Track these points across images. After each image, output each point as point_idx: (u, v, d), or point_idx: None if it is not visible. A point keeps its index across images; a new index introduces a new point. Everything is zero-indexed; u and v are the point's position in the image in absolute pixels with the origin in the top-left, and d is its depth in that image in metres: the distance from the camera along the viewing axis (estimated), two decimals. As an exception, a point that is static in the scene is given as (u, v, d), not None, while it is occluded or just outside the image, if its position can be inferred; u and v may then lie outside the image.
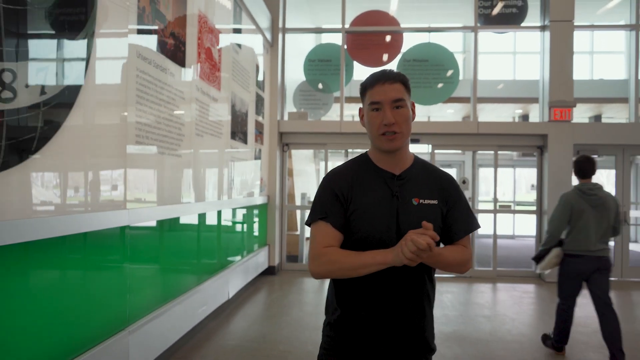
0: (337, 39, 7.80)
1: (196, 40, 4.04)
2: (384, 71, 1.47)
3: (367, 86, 1.48)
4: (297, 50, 8.15)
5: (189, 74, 3.91)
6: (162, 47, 3.39)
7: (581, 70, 13.09)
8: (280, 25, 7.36)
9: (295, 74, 8.02)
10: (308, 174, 11.47)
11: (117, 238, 2.85)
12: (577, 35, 7.62)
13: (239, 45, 5.50)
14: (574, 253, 3.75)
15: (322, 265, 1.42)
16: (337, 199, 1.47)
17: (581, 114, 12.80)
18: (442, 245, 1.55)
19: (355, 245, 1.44)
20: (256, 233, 6.52)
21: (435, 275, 1.57)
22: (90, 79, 2.48)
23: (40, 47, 2.13)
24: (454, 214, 1.51)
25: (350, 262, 1.38)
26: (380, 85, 1.43)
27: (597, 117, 12.94)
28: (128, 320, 2.94)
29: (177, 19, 3.65)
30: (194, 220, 4.17)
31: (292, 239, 8.13)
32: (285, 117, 7.52)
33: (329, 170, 11.38)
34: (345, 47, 7.64)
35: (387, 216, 1.44)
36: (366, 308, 1.45)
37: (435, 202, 1.48)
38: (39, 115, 2.11)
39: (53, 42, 2.22)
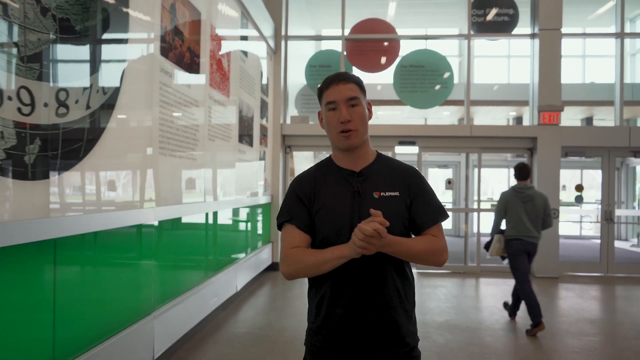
0: (337, 45, 8.16)
1: (209, 53, 4.40)
2: (338, 73, 1.53)
3: (323, 88, 1.52)
4: (297, 54, 8.50)
5: (203, 83, 4.27)
6: (180, 61, 3.75)
7: (573, 74, 13.46)
8: (283, 33, 7.72)
9: (295, 77, 8.38)
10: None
11: (146, 233, 3.21)
12: (569, 40, 7.98)
13: (245, 54, 5.87)
14: (513, 237, 4.63)
15: (289, 266, 1.48)
16: (300, 201, 1.52)
17: (573, 116, 13.18)
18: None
19: (323, 243, 1.48)
20: (260, 231, 6.88)
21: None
22: (122, 97, 2.85)
23: (83, 71, 2.49)
24: (418, 205, 1.52)
25: (313, 259, 1.45)
26: (335, 86, 1.48)
27: (589, 119, 13.32)
28: (153, 307, 3.31)
29: (193, 34, 4.01)
30: (207, 218, 4.53)
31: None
32: (288, 121, 7.89)
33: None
34: (345, 53, 8.00)
35: (349, 212, 1.47)
36: (339, 306, 1.47)
37: (396, 193, 1.50)
38: (85, 126, 2.47)
39: (94, 66, 2.58)
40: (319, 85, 1.55)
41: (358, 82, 1.52)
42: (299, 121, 7.76)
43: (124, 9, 2.87)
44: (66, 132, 2.31)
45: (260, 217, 6.81)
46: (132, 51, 2.95)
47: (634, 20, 12.72)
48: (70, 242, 2.37)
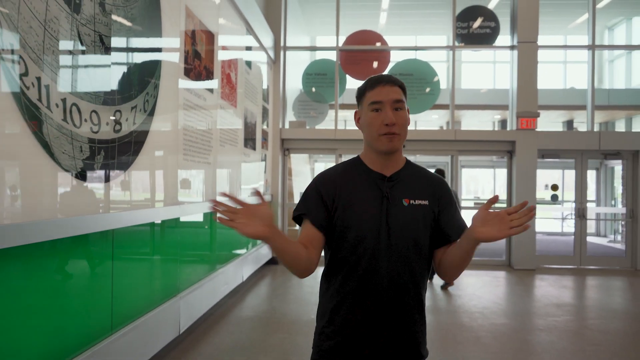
0: (331, 55, 8.77)
1: (220, 69, 4.99)
2: (383, 75, 1.50)
3: (366, 88, 1.49)
4: (293, 60, 9.10)
5: (215, 96, 4.86)
6: (198, 79, 4.34)
7: (555, 80, 14.17)
8: (282, 44, 8.31)
9: (291, 83, 8.98)
10: (304, 174, 12.45)
11: (172, 228, 3.81)
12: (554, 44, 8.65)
13: (249, 66, 6.46)
14: None
15: None
16: (321, 200, 1.49)
17: (555, 119, 13.90)
18: (434, 249, 1.54)
19: (348, 245, 1.46)
20: (262, 227, 7.47)
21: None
22: (157, 114, 3.44)
23: (132, 94, 3.08)
24: (447, 216, 1.51)
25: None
26: (381, 87, 1.45)
27: (569, 122, 14.04)
28: (179, 289, 3.90)
29: (207, 54, 4.61)
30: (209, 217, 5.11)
31: (292, 233, 9.09)
32: (287, 126, 8.49)
33: (321, 170, 12.35)
34: (339, 62, 8.61)
35: (377, 216, 1.45)
36: (358, 313, 1.45)
37: (426, 202, 1.49)
38: (132, 139, 3.06)
39: (139, 89, 3.17)
40: (359, 86, 1.52)
41: (403, 87, 1.49)
42: (297, 126, 8.37)
43: (159, 39, 3.46)
44: (120, 144, 2.90)
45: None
46: (164, 74, 3.54)
47: (612, 29, 13.44)
48: (123, 232, 2.97)
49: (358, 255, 1.45)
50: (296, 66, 9.09)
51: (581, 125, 14.24)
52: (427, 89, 8.63)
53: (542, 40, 8.21)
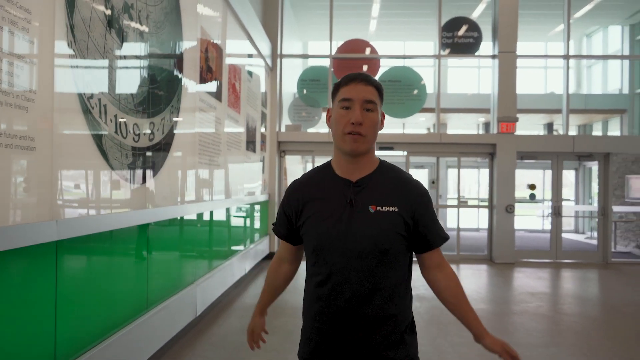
0: (324, 62, 9.31)
1: (227, 81, 5.51)
2: (360, 73, 1.44)
3: (340, 84, 1.44)
4: (287, 64, 9.62)
5: (224, 105, 5.38)
6: (210, 90, 4.85)
7: (536, 84, 14.85)
8: (279, 52, 8.83)
9: (285, 87, 9.49)
10: (297, 174, 13.00)
11: (189, 223, 4.33)
12: (533, 52, 9.23)
13: (250, 75, 6.97)
14: None
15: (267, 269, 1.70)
16: (284, 212, 1.55)
17: (536, 122, 14.58)
18: (413, 256, 1.52)
19: (313, 253, 1.45)
20: (261, 224, 8.00)
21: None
22: (179, 123, 3.95)
23: (163, 107, 3.59)
24: (426, 221, 1.46)
25: (264, 284, 1.76)
26: (354, 84, 1.40)
27: (550, 125, 14.73)
28: (196, 277, 4.41)
29: (217, 68, 5.12)
30: (224, 212, 5.64)
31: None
32: (283, 129, 9.02)
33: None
34: (332, 69, 9.15)
35: (339, 224, 1.41)
36: (322, 322, 1.45)
37: (394, 209, 1.42)
38: (161, 147, 3.58)
39: (167, 102, 3.68)
40: (335, 82, 1.47)
41: (379, 88, 1.44)
42: (292, 129, 8.90)
43: (181, 60, 3.98)
44: (153, 151, 3.41)
45: (261, 213, 7.93)
46: (184, 88, 4.05)
47: (590, 36, 14.15)
48: (155, 226, 3.48)
49: (320, 264, 1.44)
50: (289, 70, 9.62)
51: (561, 128, 14.95)
52: (415, 91, 9.21)
53: (524, 46, 8.88)
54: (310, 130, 9.61)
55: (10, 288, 2.02)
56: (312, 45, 14.31)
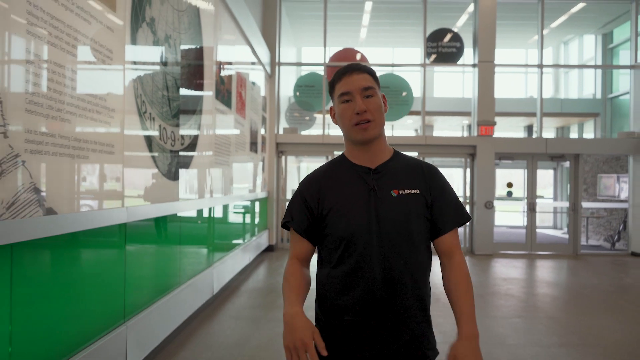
0: (318, 69, 10.05)
1: (235, 90, 6.23)
2: (350, 64, 1.44)
3: (335, 81, 1.45)
4: (283, 69, 10.34)
5: (233, 112, 6.09)
6: (223, 99, 5.57)
7: (517, 89, 15.72)
8: (277, 60, 9.56)
9: (281, 91, 10.22)
10: (291, 172, 13.73)
11: (204, 217, 5.05)
12: (514, 57, 10.02)
13: (253, 83, 7.69)
14: None
15: (284, 274, 1.45)
16: (305, 204, 1.46)
17: (516, 124, 15.45)
18: (429, 242, 1.48)
19: (341, 243, 1.40)
20: (261, 219, 8.72)
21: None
22: (201, 128, 4.67)
23: (191, 115, 4.31)
24: (439, 204, 1.45)
25: (284, 288, 1.41)
26: (348, 77, 1.41)
27: (530, 127, 15.61)
28: (212, 262, 5.13)
29: (228, 80, 5.84)
30: (234, 206, 6.36)
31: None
32: (281, 131, 9.74)
33: (309, 168, 13.80)
34: (326, 76, 9.90)
35: (366, 211, 1.39)
36: (350, 314, 1.40)
37: (416, 191, 1.43)
38: (190, 148, 4.29)
39: (193, 111, 4.40)
40: (330, 80, 1.48)
41: (371, 73, 1.44)
42: (289, 132, 9.63)
43: (202, 78, 4.70)
44: (183, 152, 4.13)
45: (261, 208, 8.65)
46: (205, 100, 4.77)
47: (567, 43, 15.03)
48: (184, 216, 4.20)
49: (349, 254, 1.39)
50: (285, 75, 10.34)
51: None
52: (404, 93, 9.98)
53: (505, 53, 9.70)
54: (305, 132, 10.35)
55: (96, 255, 2.73)
56: (305, 51, 15.03)
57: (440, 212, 1.45)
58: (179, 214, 4.06)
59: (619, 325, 4.69)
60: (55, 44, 2.23)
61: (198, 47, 4.54)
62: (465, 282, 1.44)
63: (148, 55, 3.35)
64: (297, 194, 1.51)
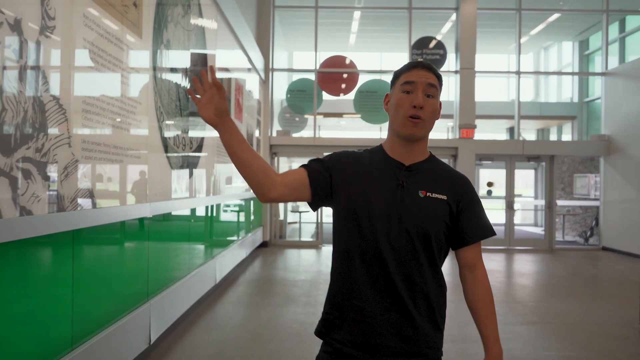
0: (309, 74, 10.61)
1: (234, 97, 6.77)
2: (423, 61, 1.44)
3: (403, 70, 1.44)
4: (275, 73, 10.88)
5: (232, 116, 6.63)
6: (223, 106, 6.11)
7: (500, 92, 16.40)
8: (270, 66, 10.10)
9: (275, 93, 10.76)
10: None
11: (208, 214, 5.59)
12: (497, 62, 10.69)
13: (249, 90, 8.23)
14: None
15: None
16: (328, 168, 1.45)
17: (500, 126, 16.13)
18: (447, 251, 1.49)
19: (357, 229, 1.40)
20: (256, 217, 9.27)
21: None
22: (206, 131, 5.22)
23: (199, 123, 4.85)
24: (467, 215, 1.44)
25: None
26: (418, 70, 1.41)
27: (511, 129, 16.29)
28: (213, 255, 5.68)
29: (228, 88, 6.37)
30: (234, 203, 6.90)
31: (278, 221, 10.91)
32: (274, 134, 10.29)
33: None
34: (316, 82, 10.46)
35: (389, 204, 1.39)
36: (359, 299, 1.39)
37: (444, 197, 1.42)
38: (196, 152, 4.83)
39: (198, 119, 4.94)
40: (396, 70, 1.48)
41: (439, 77, 1.44)
42: (282, 134, 10.19)
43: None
44: (193, 154, 4.67)
45: (256, 206, 9.20)
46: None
47: (547, 49, 15.74)
48: (197, 210, 4.74)
49: (365, 241, 1.39)
50: (277, 77, 10.90)
51: (522, 132, 16.54)
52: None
53: (488, 58, 10.30)
54: (297, 134, 10.91)
55: (128, 243, 3.28)
56: (297, 55, 15.57)
57: (468, 222, 1.45)
58: (189, 211, 4.60)
59: (576, 308, 5.31)
60: (101, 70, 2.77)
61: (203, 59, 5.08)
62: (490, 299, 1.47)
63: (165, 72, 3.89)
64: (330, 157, 1.50)
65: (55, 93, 2.29)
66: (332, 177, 1.45)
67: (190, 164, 4.62)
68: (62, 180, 2.35)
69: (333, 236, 1.50)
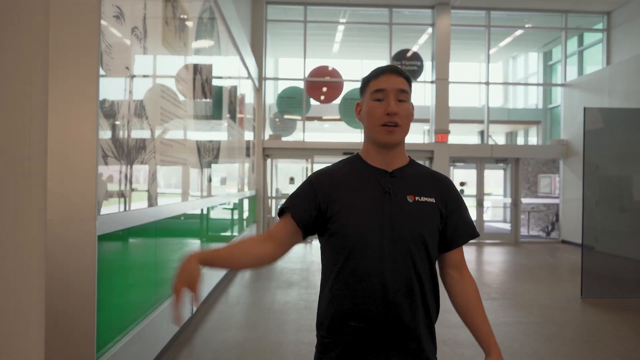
0: (298, 83, 11.51)
1: (238, 108, 7.63)
2: (388, 64, 1.40)
3: (371, 78, 1.41)
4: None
5: (237, 124, 7.49)
6: (232, 116, 6.96)
7: (472, 98, 17.59)
8: (264, 75, 10.95)
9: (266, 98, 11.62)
10: (278, 174, 15.13)
11: (221, 206, 6.45)
12: (469, 70, 11.78)
13: (248, 102, 9.08)
14: None
15: None
16: (314, 196, 1.40)
17: (472, 130, 17.31)
18: (437, 254, 1.44)
19: (345, 244, 1.35)
20: (250, 214, 10.12)
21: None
22: (222, 142, 6.07)
23: (220, 135, 5.69)
24: (455, 217, 1.44)
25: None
26: (386, 75, 1.38)
27: (483, 132, 17.49)
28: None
29: (234, 100, 7.23)
30: (237, 201, 7.75)
31: (270, 219, 11.77)
32: (267, 137, 11.16)
33: (288, 169, 15.06)
34: (305, 89, 11.36)
35: (379, 213, 1.35)
36: (356, 320, 1.34)
37: (432, 200, 1.40)
38: (216, 156, 5.68)
39: (221, 133, 5.78)
40: (364, 77, 1.45)
41: (409, 79, 1.41)
42: (274, 138, 11.07)
43: (221, 105, 6.08)
44: (212, 159, 5.52)
45: (250, 204, 10.05)
46: (223, 120, 6.15)
47: (515, 58, 16.98)
48: (214, 205, 5.59)
49: (358, 255, 1.34)
50: (267, 83, 11.77)
51: (493, 135, 17.76)
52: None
53: (463, 66, 11.33)
54: (288, 138, 11.79)
55: (178, 234, 4.14)
56: (282, 62, 16.42)
57: (455, 226, 1.44)
58: (206, 208, 5.45)
59: (531, 288, 6.36)
60: (171, 116, 3.63)
61: (220, 85, 5.94)
62: (479, 296, 1.46)
63: (201, 102, 4.74)
64: (307, 184, 1.44)
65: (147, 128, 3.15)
66: (319, 206, 1.40)
67: (212, 169, 5.47)
68: (151, 183, 3.21)
69: (322, 256, 1.46)
